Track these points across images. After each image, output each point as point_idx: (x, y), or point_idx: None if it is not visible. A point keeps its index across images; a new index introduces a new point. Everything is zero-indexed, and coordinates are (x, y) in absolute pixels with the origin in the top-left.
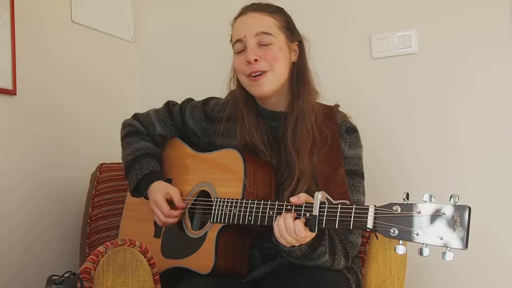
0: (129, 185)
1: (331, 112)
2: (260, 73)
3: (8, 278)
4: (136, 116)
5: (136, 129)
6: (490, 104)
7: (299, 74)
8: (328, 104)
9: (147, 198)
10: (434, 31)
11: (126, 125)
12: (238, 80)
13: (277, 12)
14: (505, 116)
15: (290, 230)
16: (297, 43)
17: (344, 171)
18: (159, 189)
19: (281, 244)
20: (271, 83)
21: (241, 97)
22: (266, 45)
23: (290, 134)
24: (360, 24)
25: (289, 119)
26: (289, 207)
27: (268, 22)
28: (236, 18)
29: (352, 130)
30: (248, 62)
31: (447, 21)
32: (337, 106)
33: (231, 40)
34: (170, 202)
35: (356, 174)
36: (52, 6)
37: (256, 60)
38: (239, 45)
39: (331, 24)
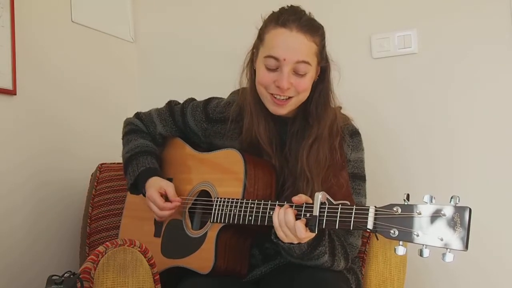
0: (127, 182)
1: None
2: (285, 97)
3: (9, 278)
4: (137, 115)
5: (136, 128)
6: (490, 104)
7: (320, 96)
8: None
9: (145, 195)
10: (434, 31)
11: (127, 123)
12: (250, 80)
13: (320, 35)
14: (505, 116)
15: (290, 226)
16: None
17: (347, 174)
18: (152, 184)
19: (280, 240)
20: (291, 107)
21: (253, 97)
22: (301, 74)
23: (305, 155)
24: (360, 24)
25: (305, 138)
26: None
27: (309, 49)
28: (276, 24)
29: (355, 134)
30: (278, 86)
31: (447, 21)
32: (339, 108)
33: (260, 38)
34: (166, 198)
35: (357, 178)
36: (52, 6)
37: (288, 88)
38: (272, 62)
39: (331, 24)
